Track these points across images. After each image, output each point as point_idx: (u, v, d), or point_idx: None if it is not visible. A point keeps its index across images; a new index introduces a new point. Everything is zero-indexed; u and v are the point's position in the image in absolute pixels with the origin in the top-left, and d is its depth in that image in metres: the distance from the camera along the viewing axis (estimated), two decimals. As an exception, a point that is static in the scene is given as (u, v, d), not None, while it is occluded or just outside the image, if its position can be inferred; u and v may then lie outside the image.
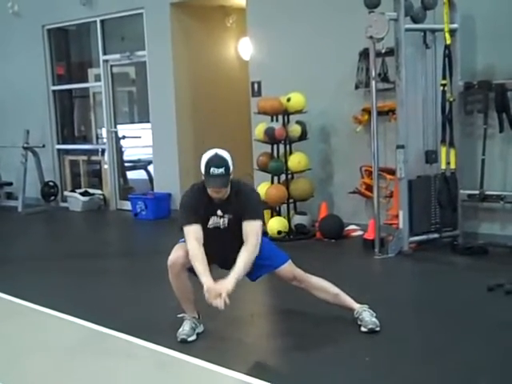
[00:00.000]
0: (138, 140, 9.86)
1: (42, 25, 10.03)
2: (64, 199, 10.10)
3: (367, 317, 4.03)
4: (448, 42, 5.90)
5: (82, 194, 9.71)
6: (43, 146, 9.76)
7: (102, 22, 9.37)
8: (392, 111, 6.28)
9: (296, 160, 6.93)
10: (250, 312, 4.43)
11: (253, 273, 4.09)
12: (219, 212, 3.95)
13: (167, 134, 8.78)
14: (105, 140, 9.74)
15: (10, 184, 10.45)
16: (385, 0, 5.86)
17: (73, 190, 9.99)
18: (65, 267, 6.24)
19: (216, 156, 3.87)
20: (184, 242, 3.96)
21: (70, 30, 10.41)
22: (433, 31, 6.08)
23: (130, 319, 4.51)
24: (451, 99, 5.96)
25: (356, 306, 4.13)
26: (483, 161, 5.92)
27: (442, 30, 5.91)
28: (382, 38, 5.83)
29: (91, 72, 10.16)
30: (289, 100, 6.85)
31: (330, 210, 7.09)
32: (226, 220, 3.96)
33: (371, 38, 5.85)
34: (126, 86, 10.61)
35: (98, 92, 9.88)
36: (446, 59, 5.93)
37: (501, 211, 6.00)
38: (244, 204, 3.92)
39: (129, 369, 3.75)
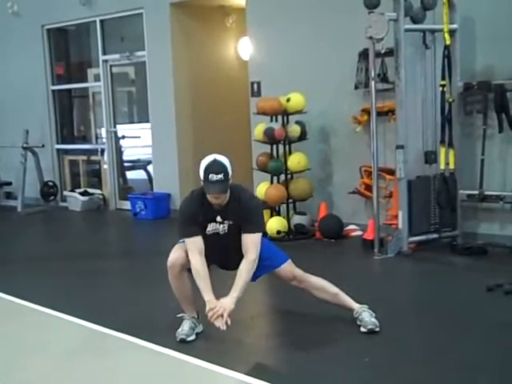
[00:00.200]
0: (137, 140, 9.86)
1: (42, 25, 10.03)
2: (63, 199, 10.10)
3: (367, 317, 4.04)
4: (447, 42, 5.90)
5: (82, 194, 9.72)
6: (43, 145, 9.76)
7: (102, 22, 9.37)
8: (391, 111, 6.29)
9: (295, 160, 6.93)
10: (249, 312, 4.44)
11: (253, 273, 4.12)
12: (219, 218, 3.94)
13: (167, 134, 8.79)
14: (104, 140, 9.74)
15: (10, 184, 10.45)
16: (384, 0, 5.87)
17: (72, 190, 9.99)
18: (64, 267, 6.24)
19: (215, 162, 3.85)
20: (183, 242, 3.97)
21: (69, 29, 10.41)
22: (432, 32, 6.08)
23: (129, 319, 4.51)
24: (450, 100, 5.97)
25: (355, 306, 4.13)
26: (482, 161, 5.92)
27: (441, 30, 5.92)
28: (382, 39, 5.83)
29: (91, 72, 10.16)
30: (288, 100, 6.85)
31: (330, 210, 7.09)
32: (226, 226, 3.95)
33: (371, 38, 5.85)
34: (125, 86, 10.61)
35: (97, 92, 9.88)
36: (446, 60, 5.93)
37: (500, 211, 6.00)
38: (244, 213, 3.90)
39: (128, 369, 3.75)
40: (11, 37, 10.33)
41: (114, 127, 9.61)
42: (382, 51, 6.06)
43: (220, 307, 3.74)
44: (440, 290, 4.94)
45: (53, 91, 10.24)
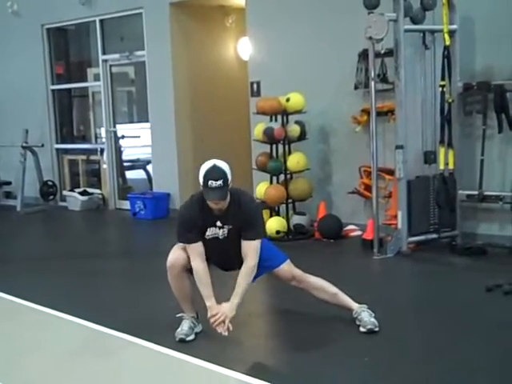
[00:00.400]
0: (136, 140, 9.86)
1: (42, 24, 10.03)
2: (63, 198, 10.10)
3: (366, 317, 4.04)
4: (447, 42, 5.90)
5: (81, 194, 9.72)
6: (42, 145, 9.76)
7: (102, 21, 9.37)
8: (391, 112, 6.29)
9: (295, 160, 6.93)
10: (248, 312, 4.43)
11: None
12: (218, 223, 3.93)
13: (166, 133, 8.79)
14: (104, 139, 9.74)
15: (9, 183, 10.46)
16: (384, 1, 5.87)
17: (72, 190, 9.99)
18: (64, 267, 6.24)
19: (214, 168, 3.82)
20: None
21: (69, 29, 10.41)
22: (432, 32, 6.09)
23: (128, 319, 4.51)
24: (450, 100, 5.97)
25: (355, 305, 4.13)
26: (482, 161, 5.92)
27: (441, 30, 5.92)
28: (382, 39, 5.83)
29: (90, 72, 10.17)
30: (288, 100, 6.85)
31: (329, 210, 7.10)
32: (226, 230, 3.95)
33: (370, 38, 5.85)
34: (125, 86, 10.61)
35: (97, 92, 9.88)
36: (445, 60, 5.93)
37: (499, 212, 6.00)
38: (245, 219, 3.90)
39: (128, 368, 3.75)
40: (11, 36, 10.33)
41: (114, 127, 9.61)
42: (382, 51, 6.07)
43: (221, 314, 3.80)
44: (439, 290, 4.94)
45: (52, 91, 10.24)
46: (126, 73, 10.39)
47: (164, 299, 4.45)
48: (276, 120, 6.98)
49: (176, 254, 3.99)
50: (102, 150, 9.79)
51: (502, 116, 5.77)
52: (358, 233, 6.77)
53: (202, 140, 8.72)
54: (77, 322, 4.47)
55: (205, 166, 3.85)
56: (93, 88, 10.09)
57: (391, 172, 6.22)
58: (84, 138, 10.69)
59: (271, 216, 7.02)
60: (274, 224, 6.86)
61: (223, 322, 3.81)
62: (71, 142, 10.57)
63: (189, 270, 3.98)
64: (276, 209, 7.11)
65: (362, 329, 4.02)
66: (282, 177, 7.04)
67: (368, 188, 6.61)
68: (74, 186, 10.21)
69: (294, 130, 6.90)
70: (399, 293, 5.07)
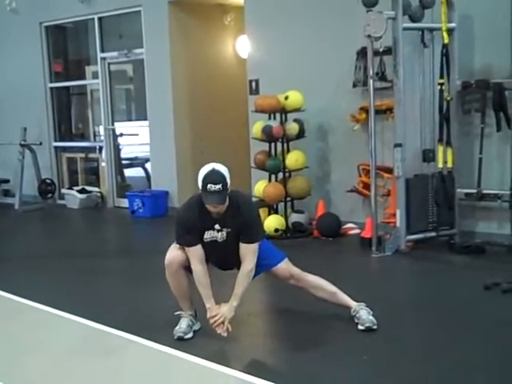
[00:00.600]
0: (135, 138, 9.86)
1: (40, 22, 10.03)
2: (61, 197, 10.11)
3: (364, 315, 4.04)
4: (446, 41, 5.90)
5: (80, 192, 9.72)
6: (40, 143, 9.75)
7: (100, 19, 9.36)
8: (390, 110, 6.29)
9: (293, 158, 6.93)
10: (246, 310, 4.43)
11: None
12: (217, 226, 3.93)
13: (165, 131, 8.78)
14: (102, 137, 9.74)
15: (7, 181, 10.45)
16: (383, -1, 5.87)
17: (70, 188, 10.00)
18: (62, 265, 6.24)
19: (213, 172, 3.81)
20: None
21: (67, 27, 10.40)
22: (431, 30, 6.09)
23: (127, 317, 4.51)
24: (449, 98, 5.97)
25: (353, 304, 4.13)
26: (480, 160, 5.93)
27: (439, 29, 5.92)
28: (380, 37, 5.83)
29: (89, 69, 10.16)
30: (286, 98, 6.85)
31: (328, 208, 7.10)
32: (225, 234, 3.95)
33: (369, 36, 5.85)
34: (123, 84, 10.60)
35: (95, 89, 9.87)
36: (444, 58, 5.93)
37: (498, 210, 6.01)
38: (244, 222, 3.90)
39: (126, 366, 3.75)
40: (9, 34, 10.32)
41: (112, 125, 9.61)
42: (381, 50, 6.06)
43: (221, 315, 3.86)
44: (438, 289, 4.95)
45: (51, 88, 10.23)
46: (125, 71, 10.38)
47: (162, 297, 4.45)
48: (274, 118, 6.98)
49: (174, 252, 3.99)
50: (100, 148, 9.78)
51: (501, 114, 5.77)
52: (357, 231, 6.77)
53: (200, 138, 8.72)
54: (75, 320, 4.46)
55: (204, 170, 3.84)
56: (91, 86, 10.09)
57: (390, 170, 6.22)
58: (82, 136, 10.68)
59: (270, 214, 7.02)
60: (272, 222, 6.86)
61: (222, 323, 3.86)
62: (70, 140, 10.56)
63: (187, 267, 3.99)
64: (274, 207, 7.11)
65: (360, 327, 4.02)
66: (280, 175, 7.04)
67: (366, 186, 6.61)
68: (73, 184, 10.21)
69: (292, 128, 6.89)
70: (397, 291, 5.08)
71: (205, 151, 8.34)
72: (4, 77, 10.57)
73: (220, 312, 3.89)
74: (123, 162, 10.03)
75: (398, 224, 5.99)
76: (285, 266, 4.13)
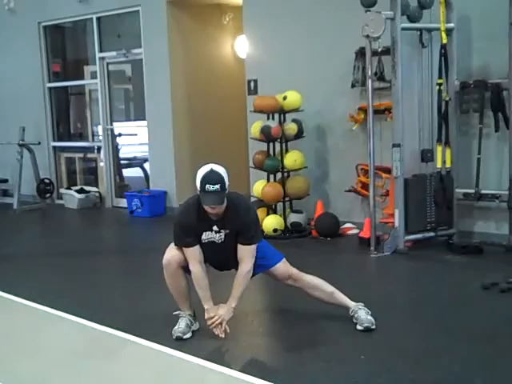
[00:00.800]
0: (133, 137, 9.86)
1: (38, 22, 10.02)
2: (60, 196, 10.10)
3: (363, 315, 4.05)
4: (444, 41, 5.91)
5: (78, 192, 9.71)
6: (39, 143, 9.74)
7: (99, 19, 9.36)
8: (388, 110, 6.29)
9: (292, 158, 6.93)
10: (245, 310, 4.44)
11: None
12: (215, 227, 3.93)
13: (163, 131, 8.78)
14: (101, 137, 9.73)
15: (6, 181, 10.45)
16: (381, -1, 5.87)
17: (68, 188, 9.99)
18: (61, 265, 6.24)
19: (211, 172, 3.80)
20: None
21: (66, 27, 10.39)
22: (429, 30, 6.09)
23: (125, 317, 4.51)
24: (447, 98, 5.98)
25: (351, 304, 4.14)
26: (479, 160, 5.93)
27: (438, 29, 5.92)
28: (379, 37, 5.83)
29: (87, 69, 10.14)
30: (285, 98, 6.85)
31: (326, 208, 7.10)
32: (223, 235, 3.95)
33: (367, 36, 5.85)
34: (122, 84, 10.59)
35: (94, 89, 9.87)
36: (442, 58, 5.94)
37: (496, 210, 6.01)
38: (242, 223, 3.90)
39: (125, 366, 3.75)
40: (7, 34, 10.31)
41: (111, 125, 9.60)
42: (379, 50, 6.06)
43: (219, 316, 3.88)
44: (436, 289, 4.95)
45: (49, 88, 10.22)
46: (123, 71, 10.38)
47: (161, 297, 4.44)
48: (273, 118, 6.98)
49: (172, 252, 3.99)
50: (98, 148, 9.78)
51: (499, 114, 5.78)
52: (355, 231, 6.78)
53: (198, 138, 8.72)
54: (74, 320, 4.46)
55: (202, 171, 3.83)
56: (90, 86, 10.09)
57: (388, 170, 6.22)
58: (81, 136, 10.67)
59: (268, 214, 7.02)
60: (271, 222, 6.86)
61: (220, 324, 3.88)
62: (68, 140, 10.55)
63: (185, 267, 3.99)
64: (273, 207, 7.11)
65: (358, 327, 4.02)
66: (279, 175, 7.04)
67: (365, 186, 6.62)
68: (71, 184, 10.21)
69: (291, 128, 6.90)
70: (396, 291, 5.08)
71: (203, 151, 8.33)
72: (2, 77, 10.57)
73: (218, 313, 3.89)
74: (122, 161, 10.03)
75: (396, 224, 5.99)
76: (283, 266, 4.13)
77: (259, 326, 4.49)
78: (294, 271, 4.15)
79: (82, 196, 9.64)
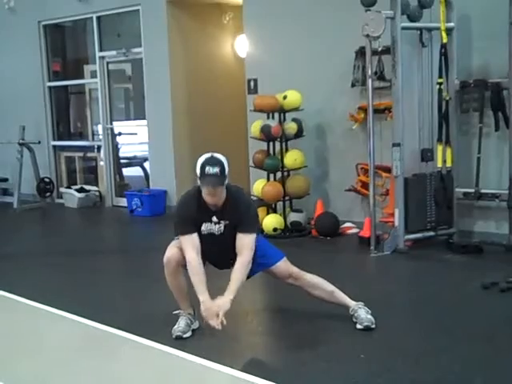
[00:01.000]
0: (133, 137, 9.86)
1: (38, 21, 10.01)
2: (60, 196, 10.10)
3: (363, 314, 4.05)
4: (444, 40, 5.91)
5: (78, 191, 9.71)
6: (39, 142, 9.74)
7: (99, 18, 9.35)
8: (388, 109, 6.29)
9: (292, 157, 6.93)
10: (245, 309, 4.44)
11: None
12: (214, 218, 3.94)
13: (163, 130, 8.78)
14: (101, 137, 9.73)
15: (6, 180, 10.45)
16: (381, -2, 5.87)
17: (68, 187, 9.99)
18: (61, 264, 6.24)
19: (212, 157, 3.89)
20: (179, 239, 3.97)
21: (66, 26, 10.40)
22: (429, 30, 6.09)
23: (125, 316, 4.52)
24: (447, 98, 5.98)
25: (351, 303, 4.14)
26: (479, 159, 5.93)
27: (438, 28, 5.92)
28: (379, 37, 5.83)
29: (87, 68, 10.14)
30: (285, 98, 6.85)
31: (326, 207, 7.10)
32: (222, 226, 3.96)
33: (368, 36, 5.85)
34: (122, 83, 10.60)
35: (93, 88, 9.87)
36: (442, 58, 5.94)
37: (496, 209, 6.01)
38: (240, 213, 3.91)
39: (124, 366, 3.75)
40: (7, 33, 10.31)
41: (111, 124, 9.60)
42: (379, 49, 6.05)
43: (216, 307, 3.75)
44: (436, 288, 4.95)
45: (49, 88, 10.22)
46: (123, 70, 10.38)
47: (161, 296, 4.45)
48: (273, 117, 6.98)
49: (173, 250, 3.99)
50: (98, 147, 9.78)
51: (499, 114, 5.78)
52: (355, 230, 6.78)
53: (198, 137, 8.71)
54: (74, 319, 4.46)
55: (202, 157, 3.91)
56: (90, 85, 10.09)
57: (388, 170, 6.22)
58: (81, 135, 10.67)
59: (268, 213, 7.02)
60: (270, 221, 6.86)
61: (217, 315, 3.72)
62: (68, 139, 10.55)
63: (185, 266, 3.98)
64: (273, 206, 7.11)
65: (358, 326, 4.02)
66: (279, 174, 7.04)
67: (365, 185, 6.62)
68: (71, 183, 10.21)
69: (291, 127, 6.90)
70: (396, 290, 5.08)
71: (203, 150, 8.30)
72: (2, 76, 10.56)
73: (215, 304, 3.77)
74: (122, 161, 10.03)
75: (396, 223, 5.99)
76: (283, 265, 4.13)
77: (259, 325, 4.49)
78: (295, 270, 4.15)
79: (81, 195, 9.64)
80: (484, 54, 5.99)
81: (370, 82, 6.02)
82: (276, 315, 4.62)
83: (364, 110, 6.43)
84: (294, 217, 7.04)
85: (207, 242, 3.95)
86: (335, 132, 7.13)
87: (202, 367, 3.59)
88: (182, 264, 3.97)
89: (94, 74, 9.71)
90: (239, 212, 3.90)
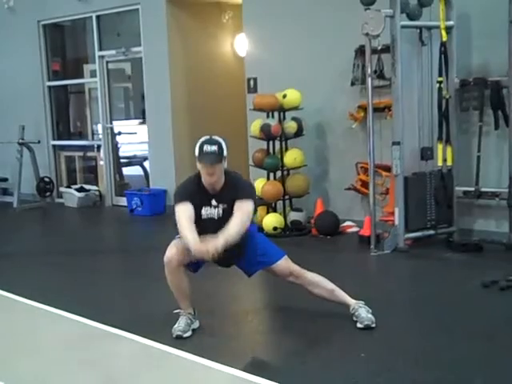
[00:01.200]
0: (133, 136, 9.85)
1: (38, 20, 10.01)
2: (59, 195, 10.10)
3: (363, 313, 4.05)
4: (444, 39, 5.90)
5: (78, 190, 9.71)
6: (38, 141, 9.74)
7: (98, 17, 9.35)
8: (388, 108, 6.29)
9: (292, 156, 6.93)
10: (245, 308, 4.44)
11: (249, 269, 4.14)
12: (214, 202, 3.98)
13: (163, 130, 8.78)
14: (100, 136, 9.73)
15: (6, 180, 10.45)
16: (381, -3, 5.87)
17: (68, 186, 9.99)
18: (61, 263, 6.24)
19: (210, 138, 3.99)
20: (179, 238, 3.96)
21: (65, 25, 10.39)
22: (429, 28, 6.09)
23: (125, 315, 4.52)
24: (447, 96, 5.97)
25: (352, 302, 4.14)
26: (478, 158, 5.93)
27: (437, 27, 5.92)
28: (378, 35, 5.83)
29: (87, 68, 10.14)
30: (285, 96, 6.85)
31: (326, 206, 7.10)
32: (221, 210, 3.98)
33: (367, 34, 5.85)
34: (121, 82, 10.60)
35: (93, 88, 9.87)
36: (442, 56, 5.94)
37: (496, 208, 6.01)
38: (238, 190, 3.95)
39: (125, 365, 3.75)
40: (7, 32, 10.30)
41: (111, 123, 9.60)
42: (379, 48, 6.05)
43: (205, 246, 3.72)
44: (436, 287, 4.95)
45: (49, 87, 10.22)
46: (123, 69, 10.37)
47: (161, 295, 4.45)
48: (273, 116, 6.98)
49: (173, 250, 3.99)
50: (98, 147, 9.78)
51: (499, 112, 5.78)
52: (355, 229, 6.78)
53: (198, 137, 8.69)
54: (74, 318, 4.46)
55: (201, 139, 4.00)
56: (89, 84, 10.08)
57: (388, 168, 6.22)
58: (80, 135, 10.67)
59: (268, 212, 7.02)
60: (270, 220, 6.86)
61: (207, 250, 3.70)
62: (68, 139, 10.55)
63: (186, 265, 3.98)
64: (273, 205, 7.11)
65: (359, 325, 4.02)
66: (278, 173, 7.04)
67: (365, 184, 6.62)
68: (71, 182, 10.21)
69: (290, 126, 6.89)
70: (396, 289, 5.08)
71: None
72: (2, 75, 10.56)
73: (206, 242, 3.73)
74: (121, 160, 10.02)
75: (396, 222, 5.99)
76: (284, 263, 4.13)
77: (259, 324, 4.49)
78: (296, 268, 4.15)
79: (81, 194, 9.64)
80: (484, 53, 5.98)
81: (369, 80, 6.01)
82: (276, 314, 4.62)
83: (364, 108, 6.42)
84: (294, 216, 7.04)
85: (208, 227, 3.93)
86: (335, 131, 7.12)
87: (201, 367, 3.59)
88: (183, 263, 3.97)
89: (93, 74, 9.71)
90: (238, 190, 3.95)
